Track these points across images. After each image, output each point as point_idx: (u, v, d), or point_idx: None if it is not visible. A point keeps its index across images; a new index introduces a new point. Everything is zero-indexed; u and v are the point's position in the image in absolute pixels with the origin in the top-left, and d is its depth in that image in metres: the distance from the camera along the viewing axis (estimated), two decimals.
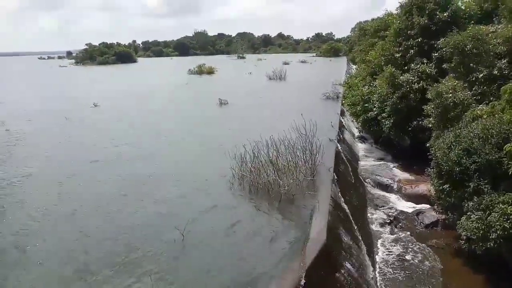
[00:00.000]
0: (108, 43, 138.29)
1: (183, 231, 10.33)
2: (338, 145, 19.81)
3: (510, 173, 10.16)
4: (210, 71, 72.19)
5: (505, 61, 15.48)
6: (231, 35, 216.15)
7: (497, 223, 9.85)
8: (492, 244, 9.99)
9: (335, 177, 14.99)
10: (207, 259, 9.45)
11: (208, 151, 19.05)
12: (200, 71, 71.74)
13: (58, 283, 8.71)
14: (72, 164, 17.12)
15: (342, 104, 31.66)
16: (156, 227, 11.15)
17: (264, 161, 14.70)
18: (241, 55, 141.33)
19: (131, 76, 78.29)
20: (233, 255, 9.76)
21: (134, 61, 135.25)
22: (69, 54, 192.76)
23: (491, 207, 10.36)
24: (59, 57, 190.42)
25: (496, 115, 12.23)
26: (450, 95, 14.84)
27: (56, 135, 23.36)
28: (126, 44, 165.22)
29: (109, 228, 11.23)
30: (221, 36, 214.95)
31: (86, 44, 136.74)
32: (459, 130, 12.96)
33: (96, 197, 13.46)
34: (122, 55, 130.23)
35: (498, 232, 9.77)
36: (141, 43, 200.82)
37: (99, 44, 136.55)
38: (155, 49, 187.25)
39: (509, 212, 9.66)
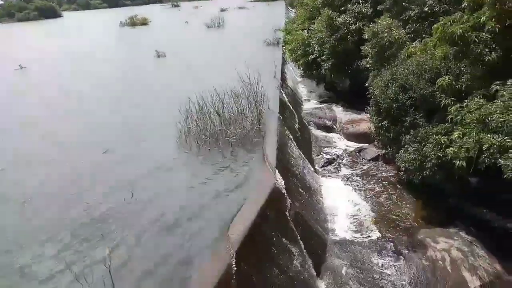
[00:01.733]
0: None
1: (132, 189, 10.21)
2: (282, 91, 19.96)
3: (442, 105, 10.83)
4: (144, 23, 68.37)
5: None
6: None
7: (431, 153, 10.62)
8: (427, 172, 10.82)
9: (281, 122, 15.24)
10: (162, 213, 9.48)
11: (148, 106, 18.42)
12: (133, 23, 67.77)
13: None
14: None
15: (283, 50, 31.56)
16: (104, 187, 10.93)
17: (210, 112, 14.55)
18: (175, 3, 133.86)
19: (57, 32, 72.50)
20: (189, 203, 9.83)
21: (59, 15, 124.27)
22: None
23: (426, 139, 11.11)
24: None
25: (428, 51, 12.78)
26: (386, 34, 15.23)
27: None
28: None
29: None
30: None
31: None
32: (395, 68, 13.47)
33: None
34: (45, 9, 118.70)
35: (433, 161, 10.56)
36: None
37: None
38: (81, 1, 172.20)
39: (442, 142, 10.40)
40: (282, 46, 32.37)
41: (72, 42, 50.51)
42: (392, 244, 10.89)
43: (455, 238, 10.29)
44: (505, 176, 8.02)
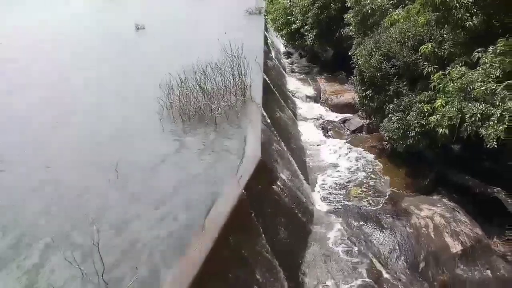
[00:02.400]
0: None
1: (116, 167, 10.04)
2: (266, 62, 19.68)
3: (424, 73, 10.78)
4: None
5: None
6: None
7: (415, 121, 10.65)
8: (411, 141, 10.89)
9: (265, 94, 15.07)
10: (148, 191, 9.41)
11: (128, 83, 17.92)
12: None
13: None
14: None
15: (265, 20, 30.97)
16: (88, 166, 10.75)
17: (192, 86, 14.25)
18: None
19: (34, 4, 69.49)
20: (171, 181, 9.78)
21: None
22: None
23: (409, 107, 11.10)
24: None
25: (411, 18, 12.60)
26: (368, 1, 14.93)
27: None
28: None
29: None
30: None
31: None
32: (378, 36, 13.29)
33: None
34: None
35: (416, 129, 10.61)
36: None
37: None
38: None
39: (425, 110, 10.40)
40: (264, 15, 31.75)
41: (49, 15, 48.52)
42: (377, 212, 11.06)
43: (438, 205, 10.48)
44: (487, 146, 8.08)
